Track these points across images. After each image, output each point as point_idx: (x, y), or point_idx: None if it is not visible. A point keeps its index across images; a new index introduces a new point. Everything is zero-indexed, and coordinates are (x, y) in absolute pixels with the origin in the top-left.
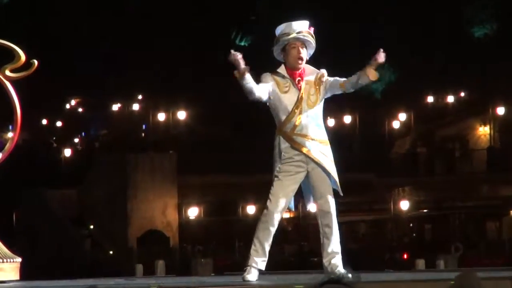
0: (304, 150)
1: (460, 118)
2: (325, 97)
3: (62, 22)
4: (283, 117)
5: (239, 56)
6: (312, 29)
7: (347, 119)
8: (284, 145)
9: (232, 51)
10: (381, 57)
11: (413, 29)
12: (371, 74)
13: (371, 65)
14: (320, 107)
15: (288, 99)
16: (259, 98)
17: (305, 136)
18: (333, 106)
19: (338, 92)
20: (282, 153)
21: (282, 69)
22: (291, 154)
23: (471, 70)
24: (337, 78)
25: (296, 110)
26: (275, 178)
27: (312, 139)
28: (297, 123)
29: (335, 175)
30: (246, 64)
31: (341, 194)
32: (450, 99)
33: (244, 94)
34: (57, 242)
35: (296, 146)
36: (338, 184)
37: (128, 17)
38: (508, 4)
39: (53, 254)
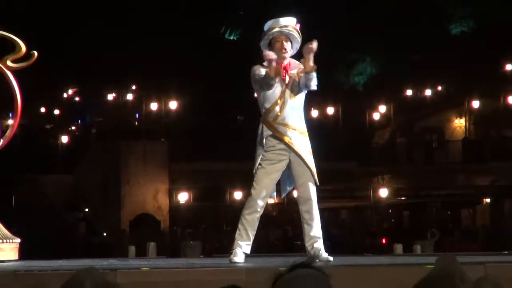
0: (286, 139)
1: (438, 111)
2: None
3: (61, 15)
4: (268, 106)
5: (273, 56)
6: (298, 25)
7: (330, 110)
8: (266, 133)
9: (266, 52)
10: (309, 49)
11: (393, 24)
12: (307, 67)
13: (304, 60)
14: (301, 99)
15: (274, 90)
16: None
17: (286, 125)
18: (317, 98)
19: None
20: (265, 141)
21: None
22: (273, 142)
23: (449, 65)
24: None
25: (279, 101)
26: (259, 166)
27: (294, 129)
28: (279, 113)
29: (312, 166)
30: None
31: (317, 184)
32: (428, 92)
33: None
34: (53, 225)
35: (278, 135)
36: (315, 175)
37: (121, 10)
38: (484, 3)
39: (48, 236)
